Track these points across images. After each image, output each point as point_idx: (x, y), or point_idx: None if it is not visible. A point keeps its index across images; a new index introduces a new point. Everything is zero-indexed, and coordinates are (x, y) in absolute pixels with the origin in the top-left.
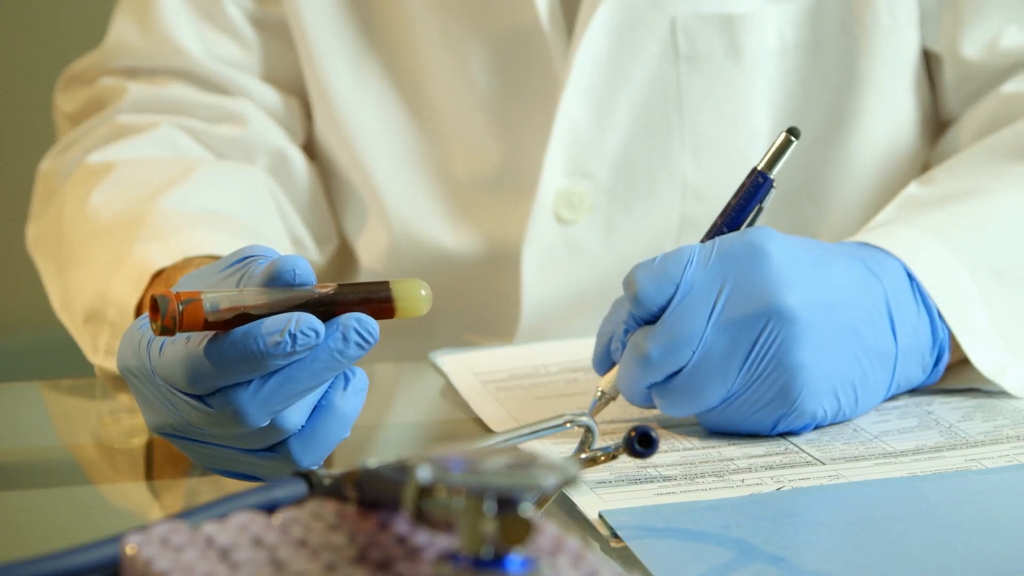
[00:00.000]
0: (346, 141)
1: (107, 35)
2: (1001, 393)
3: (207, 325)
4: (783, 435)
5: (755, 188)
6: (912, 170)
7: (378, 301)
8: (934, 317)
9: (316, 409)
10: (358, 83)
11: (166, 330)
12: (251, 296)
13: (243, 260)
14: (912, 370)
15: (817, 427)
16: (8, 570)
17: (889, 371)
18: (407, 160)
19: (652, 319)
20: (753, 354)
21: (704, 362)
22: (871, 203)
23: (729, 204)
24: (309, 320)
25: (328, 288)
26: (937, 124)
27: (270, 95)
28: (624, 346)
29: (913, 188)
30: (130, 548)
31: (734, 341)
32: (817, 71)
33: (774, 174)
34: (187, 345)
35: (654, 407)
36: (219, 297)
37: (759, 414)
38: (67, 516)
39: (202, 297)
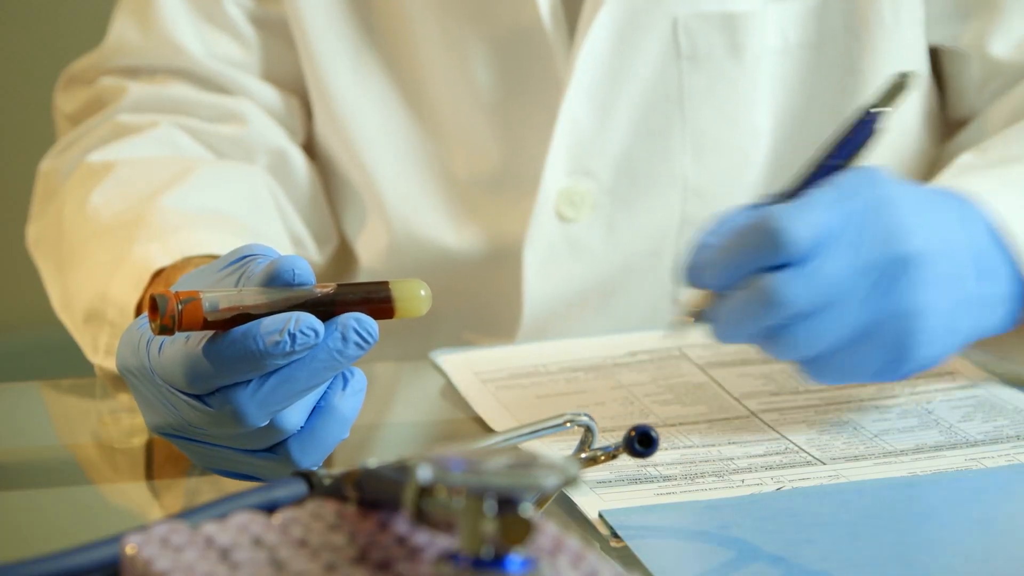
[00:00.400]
0: (346, 140)
1: (107, 35)
2: (1001, 393)
3: (206, 324)
4: (782, 434)
5: (860, 125)
6: (916, 169)
7: (377, 301)
8: (1018, 265)
9: (315, 410)
10: (358, 82)
11: (165, 329)
12: (250, 296)
13: (242, 259)
14: (998, 316)
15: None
16: (8, 570)
17: (984, 316)
18: (408, 159)
19: (783, 264)
20: (880, 299)
21: (834, 307)
22: None
23: (838, 141)
24: (308, 320)
25: (328, 288)
26: (949, 122)
27: (270, 94)
28: (727, 277)
29: (967, 158)
30: (130, 548)
31: (871, 287)
32: (819, 70)
33: (881, 112)
34: (186, 345)
35: (743, 344)
36: (218, 297)
37: (870, 358)
38: (67, 516)
39: (201, 296)
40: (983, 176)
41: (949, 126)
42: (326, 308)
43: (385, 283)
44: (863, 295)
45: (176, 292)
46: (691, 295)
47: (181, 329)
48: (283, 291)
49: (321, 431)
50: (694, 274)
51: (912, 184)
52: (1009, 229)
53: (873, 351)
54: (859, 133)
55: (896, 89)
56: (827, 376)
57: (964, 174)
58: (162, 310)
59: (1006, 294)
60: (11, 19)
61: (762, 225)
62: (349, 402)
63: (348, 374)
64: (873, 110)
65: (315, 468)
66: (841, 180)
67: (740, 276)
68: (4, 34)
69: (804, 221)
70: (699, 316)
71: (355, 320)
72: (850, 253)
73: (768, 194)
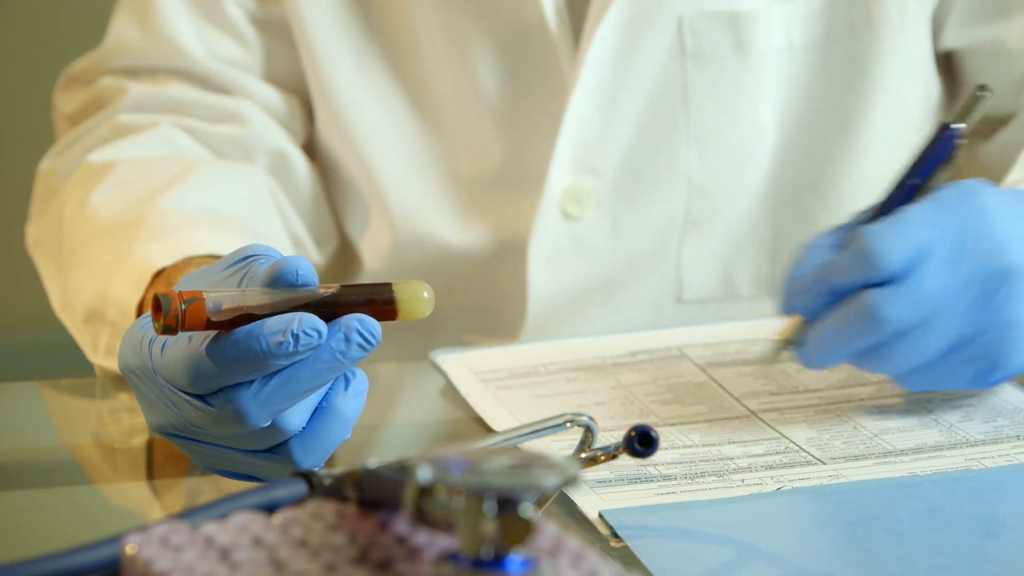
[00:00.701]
0: (349, 140)
1: (107, 35)
2: (1001, 393)
3: (209, 324)
4: (783, 434)
5: (943, 141)
6: None
7: (380, 303)
8: None
9: (317, 411)
10: (361, 81)
11: (168, 329)
12: (253, 296)
13: (245, 259)
14: None
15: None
16: (8, 570)
17: None
18: (411, 158)
19: (881, 282)
20: (982, 313)
21: (936, 322)
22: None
23: (919, 158)
24: (311, 320)
25: (331, 289)
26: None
27: (270, 95)
28: (822, 302)
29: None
30: (130, 548)
31: (973, 300)
32: (825, 70)
33: (962, 127)
34: (189, 345)
35: (838, 365)
36: (221, 297)
37: (964, 369)
38: (67, 516)
39: (204, 296)
40: None
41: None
42: (329, 309)
43: (388, 284)
44: (962, 309)
45: (179, 292)
46: (783, 323)
47: (184, 329)
48: (286, 292)
49: (322, 432)
50: (790, 301)
51: (1009, 194)
52: None
53: (969, 361)
54: (939, 150)
55: (973, 102)
56: (921, 385)
57: None
58: (165, 310)
59: None
60: (11, 19)
61: (858, 245)
62: (351, 403)
63: (350, 375)
64: (952, 125)
65: (316, 468)
66: (936, 195)
67: (838, 298)
68: (4, 34)
69: (900, 238)
70: (791, 343)
71: (358, 321)
72: (948, 268)
73: (855, 214)
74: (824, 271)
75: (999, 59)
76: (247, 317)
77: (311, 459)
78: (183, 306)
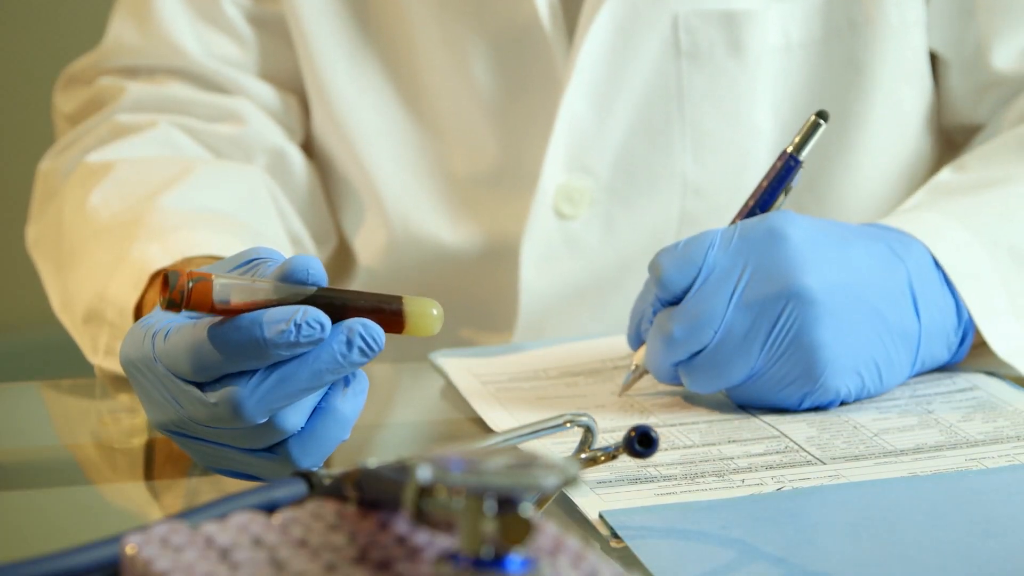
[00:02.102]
0: (344, 138)
1: (105, 35)
2: (1001, 393)
3: (214, 309)
4: (783, 433)
5: (786, 171)
6: (918, 171)
7: (388, 312)
8: (959, 298)
9: (316, 411)
10: (356, 80)
11: (172, 304)
12: (262, 288)
13: (251, 262)
14: (937, 349)
15: (843, 403)
16: (8, 570)
17: (912, 350)
18: (406, 157)
19: (676, 300)
20: (774, 334)
21: (725, 342)
22: (876, 202)
23: (760, 186)
24: (315, 313)
25: (342, 291)
26: (943, 127)
27: (268, 93)
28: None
29: (945, 174)
30: (130, 548)
31: (755, 322)
32: (823, 69)
33: (803, 156)
34: (193, 330)
35: (680, 383)
36: (230, 283)
37: (786, 391)
38: (67, 516)
39: (213, 279)
40: (943, 204)
41: (945, 132)
42: (336, 310)
43: (399, 297)
44: (754, 330)
45: (189, 272)
46: (638, 354)
47: (189, 307)
48: (295, 288)
49: (321, 432)
50: (633, 338)
51: (831, 224)
52: (948, 265)
53: (785, 383)
54: (780, 178)
55: (811, 129)
56: (755, 403)
57: (926, 200)
58: (172, 284)
59: (947, 326)
60: (11, 19)
61: (652, 266)
62: (350, 404)
63: (350, 375)
64: (793, 154)
65: (314, 468)
66: (744, 223)
67: (650, 319)
68: (4, 34)
69: (685, 259)
70: (645, 368)
71: (362, 326)
72: (728, 287)
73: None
74: (639, 300)
75: (950, 66)
76: (253, 307)
77: (309, 459)
78: (190, 284)
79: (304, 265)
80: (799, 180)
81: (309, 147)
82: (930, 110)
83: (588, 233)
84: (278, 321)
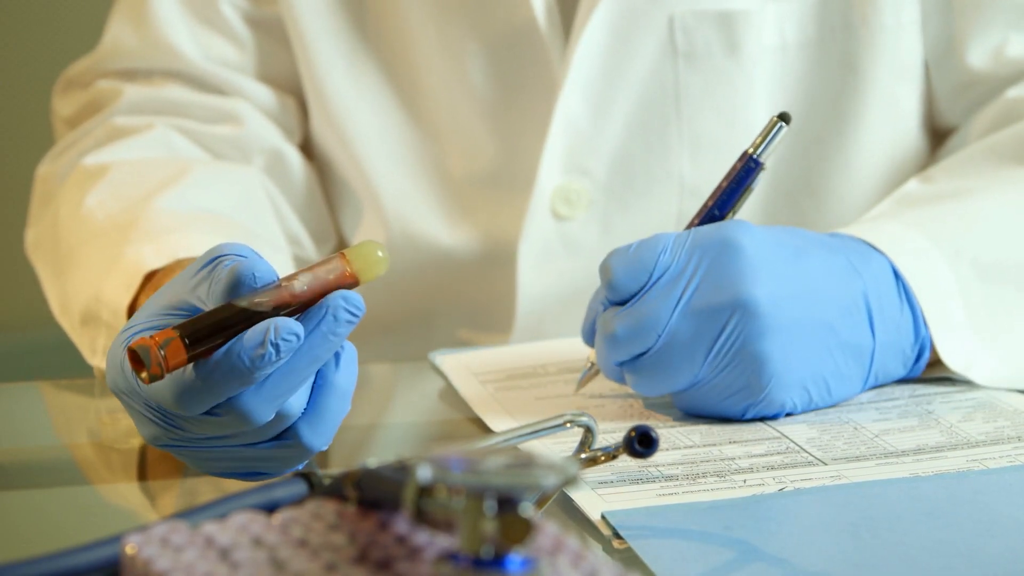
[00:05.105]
0: (342, 139)
1: (103, 38)
2: (1001, 394)
3: (191, 357)
4: (784, 434)
5: (745, 172)
6: (914, 170)
7: (338, 279)
8: (917, 313)
9: (315, 389)
10: (354, 81)
11: (155, 378)
12: (222, 312)
13: (212, 262)
14: (891, 364)
15: (789, 414)
16: (8, 570)
17: (865, 365)
18: (403, 158)
19: (624, 302)
20: (719, 344)
21: (670, 346)
22: (872, 202)
23: (720, 187)
24: (287, 325)
25: (292, 280)
26: (934, 128)
27: (266, 95)
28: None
29: (911, 185)
30: (130, 548)
31: (700, 329)
32: (818, 70)
33: (764, 158)
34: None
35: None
36: (192, 326)
37: (729, 400)
38: (67, 516)
39: (177, 335)
40: (906, 215)
41: (937, 132)
42: (297, 309)
43: (340, 255)
44: (699, 338)
45: (153, 337)
46: (594, 351)
47: (170, 371)
48: (250, 296)
49: (325, 408)
50: (587, 334)
51: (787, 235)
52: (908, 275)
53: (729, 392)
54: (740, 179)
55: (771, 131)
56: (698, 411)
57: (890, 210)
58: (147, 361)
59: (903, 341)
60: (11, 20)
61: (603, 267)
62: (344, 375)
63: (339, 348)
64: (754, 156)
65: (325, 447)
66: (698, 230)
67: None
68: (4, 35)
69: (634, 262)
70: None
71: (343, 299)
72: (678, 296)
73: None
74: (593, 298)
75: (937, 63)
76: (226, 332)
77: (320, 438)
78: (162, 352)
79: (250, 270)
80: (759, 182)
81: (307, 148)
82: (925, 109)
83: (585, 234)
84: (254, 346)
